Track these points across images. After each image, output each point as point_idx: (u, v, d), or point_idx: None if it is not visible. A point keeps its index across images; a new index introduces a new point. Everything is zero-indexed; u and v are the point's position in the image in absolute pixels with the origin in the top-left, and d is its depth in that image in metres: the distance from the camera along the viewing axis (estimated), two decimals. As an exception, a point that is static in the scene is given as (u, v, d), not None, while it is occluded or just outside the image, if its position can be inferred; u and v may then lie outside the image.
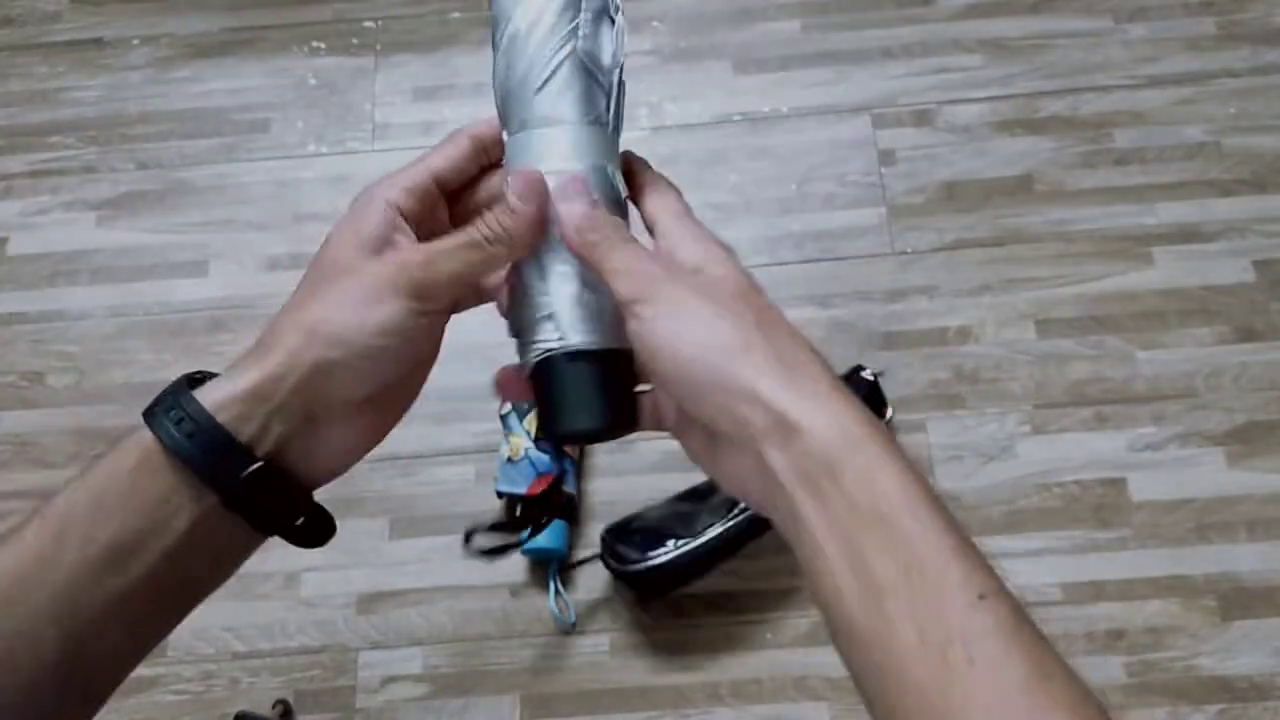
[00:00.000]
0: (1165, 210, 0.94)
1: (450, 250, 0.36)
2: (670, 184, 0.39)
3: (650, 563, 0.80)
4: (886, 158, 0.98)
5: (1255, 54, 1.00)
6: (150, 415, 0.35)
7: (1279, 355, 0.89)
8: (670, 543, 0.81)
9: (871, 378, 0.86)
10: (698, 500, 0.83)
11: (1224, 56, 1.00)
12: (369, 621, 0.84)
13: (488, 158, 0.40)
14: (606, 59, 0.37)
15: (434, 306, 0.36)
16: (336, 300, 0.35)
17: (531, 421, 0.84)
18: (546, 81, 0.37)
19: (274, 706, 0.81)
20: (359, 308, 0.35)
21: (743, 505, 0.81)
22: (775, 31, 1.04)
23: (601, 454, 0.89)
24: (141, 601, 0.35)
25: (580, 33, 0.37)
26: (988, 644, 0.29)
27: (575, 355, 0.37)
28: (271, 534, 0.38)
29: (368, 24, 1.07)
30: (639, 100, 1.02)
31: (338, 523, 0.40)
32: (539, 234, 0.37)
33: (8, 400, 0.93)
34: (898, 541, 0.31)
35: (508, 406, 0.85)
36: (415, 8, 1.08)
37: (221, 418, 0.34)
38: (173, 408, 0.34)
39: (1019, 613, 0.30)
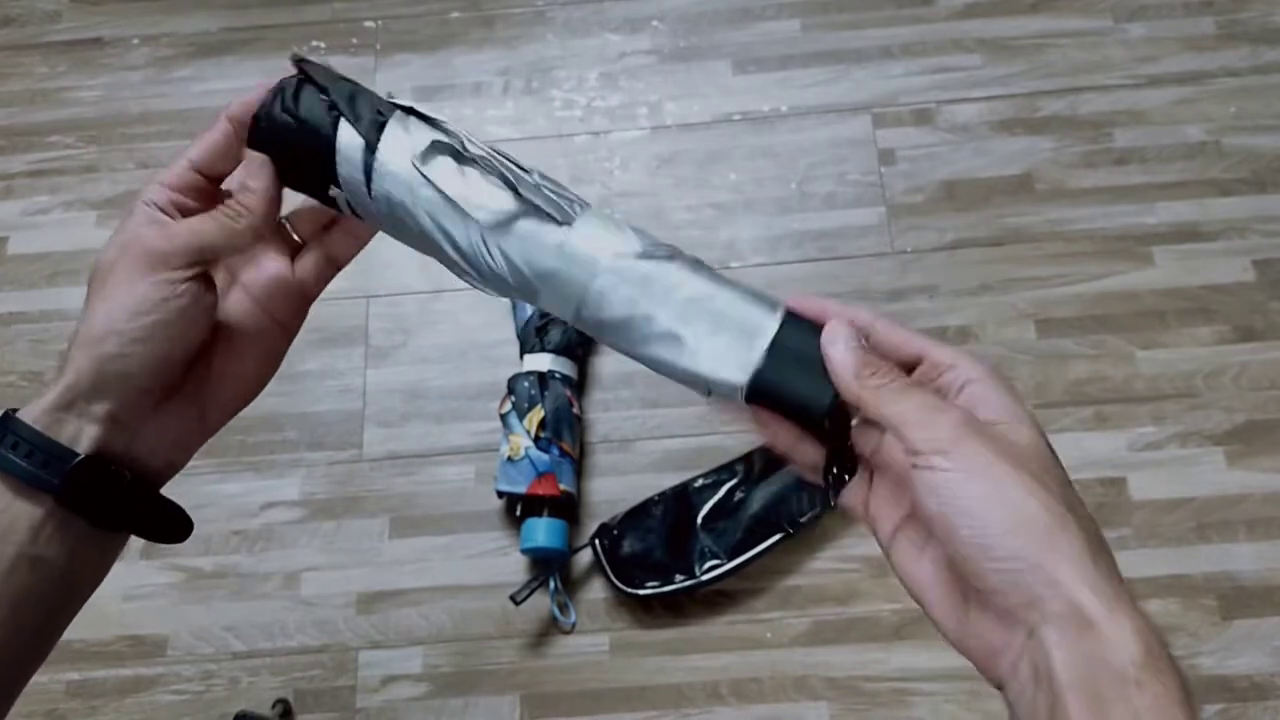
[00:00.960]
0: (1165, 210, 0.94)
1: (189, 225, 0.38)
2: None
3: (647, 590, 0.81)
4: (886, 157, 0.98)
5: (1255, 54, 1.00)
6: None
7: (1279, 355, 0.89)
8: (676, 577, 0.82)
9: None
10: (698, 519, 0.84)
11: (1224, 56, 1.00)
12: (369, 621, 0.84)
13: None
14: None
15: (177, 275, 0.37)
16: (99, 301, 0.37)
17: (532, 421, 0.84)
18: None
19: (274, 706, 0.81)
20: (115, 297, 0.37)
21: (745, 553, 0.81)
22: (775, 31, 1.04)
23: (601, 453, 0.89)
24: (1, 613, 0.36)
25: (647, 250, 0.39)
26: None
27: (771, 351, 0.37)
28: (118, 530, 0.39)
29: (368, 24, 1.07)
30: (639, 100, 1.02)
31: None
32: (272, 207, 0.39)
33: (8, 400, 0.91)
34: None
35: (508, 406, 0.85)
36: (415, 8, 1.08)
37: (38, 426, 0.37)
38: None
39: None
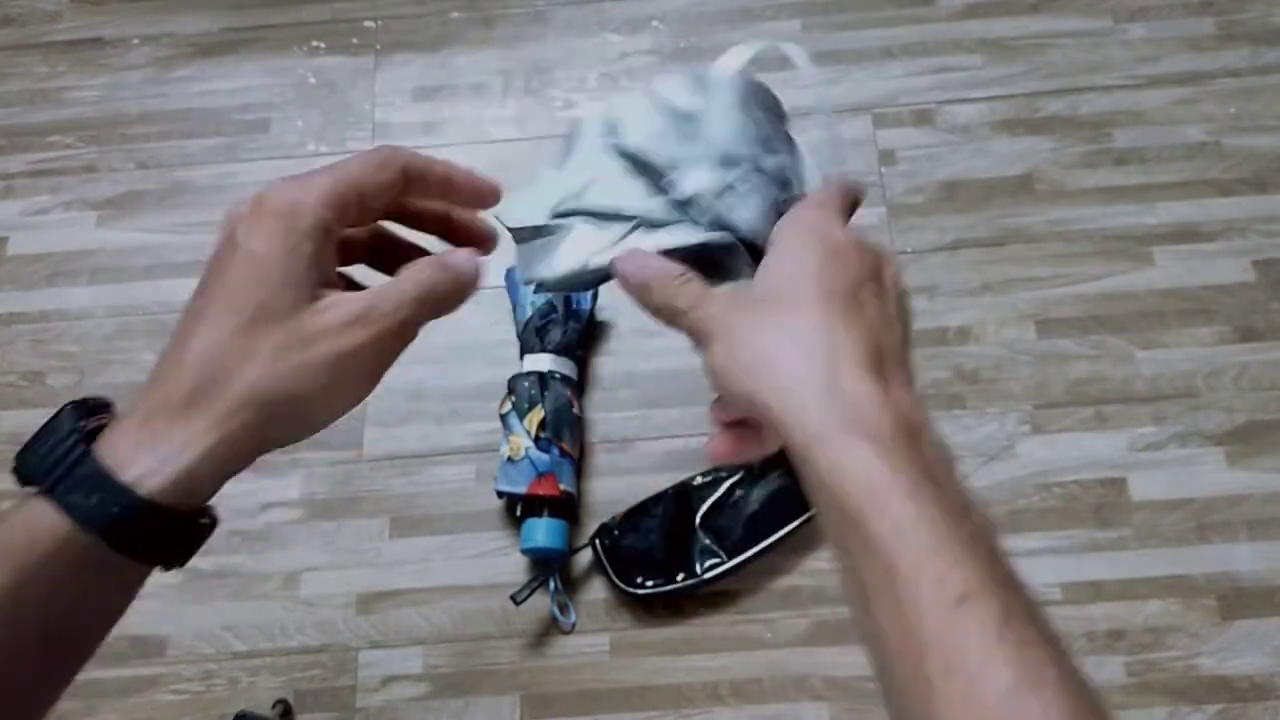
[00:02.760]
0: (1165, 210, 0.94)
1: (406, 306, 0.36)
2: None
3: (647, 590, 0.82)
4: (887, 158, 0.98)
5: (1255, 54, 1.00)
6: (61, 496, 0.32)
7: (1279, 355, 0.89)
8: (676, 576, 0.82)
9: None
10: (697, 518, 0.84)
11: (1224, 56, 1.00)
12: (369, 621, 0.84)
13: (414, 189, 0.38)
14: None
15: (390, 361, 0.36)
16: (294, 370, 0.33)
17: (532, 421, 0.84)
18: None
19: (274, 706, 0.81)
20: (327, 387, 0.34)
21: (745, 551, 0.82)
22: (775, 31, 1.04)
23: (601, 454, 0.89)
24: (34, 657, 0.33)
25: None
26: (968, 651, 0.28)
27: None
28: (162, 565, 0.35)
29: (368, 24, 1.07)
30: (639, 100, 1.02)
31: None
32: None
33: (8, 400, 0.93)
34: (871, 545, 0.30)
35: (508, 406, 0.85)
36: (415, 8, 1.08)
37: (161, 499, 0.32)
38: (94, 491, 0.31)
39: (1011, 611, 0.29)
